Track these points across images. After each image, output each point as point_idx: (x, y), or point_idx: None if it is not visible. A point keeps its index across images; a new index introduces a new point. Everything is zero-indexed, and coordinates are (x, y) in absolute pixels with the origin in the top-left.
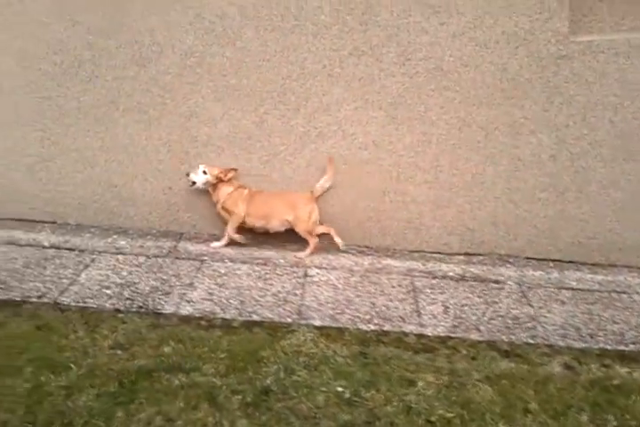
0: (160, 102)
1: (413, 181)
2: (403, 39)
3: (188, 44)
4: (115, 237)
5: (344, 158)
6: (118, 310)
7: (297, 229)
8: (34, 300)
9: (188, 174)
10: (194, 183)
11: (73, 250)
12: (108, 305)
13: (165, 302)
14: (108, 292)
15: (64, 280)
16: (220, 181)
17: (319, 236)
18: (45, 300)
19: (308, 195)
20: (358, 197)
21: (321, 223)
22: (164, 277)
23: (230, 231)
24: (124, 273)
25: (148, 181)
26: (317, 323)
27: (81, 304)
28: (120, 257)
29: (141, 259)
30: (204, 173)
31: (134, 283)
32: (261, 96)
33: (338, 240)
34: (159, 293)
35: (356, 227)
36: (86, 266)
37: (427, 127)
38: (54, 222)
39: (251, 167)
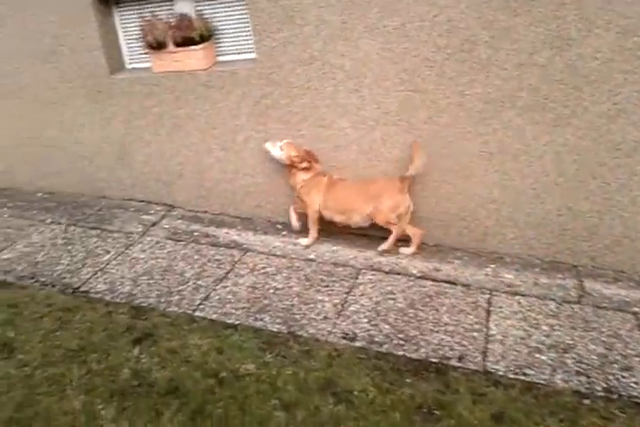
0: (575, 97)
1: None
2: None
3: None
4: (492, 266)
5: None
6: (579, 393)
7: (375, 220)
8: (455, 363)
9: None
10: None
11: (453, 284)
12: (558, 382)
13: (635, 384)
14: (544, 358)
15: (474, 334)
16: (293, 165)
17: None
18: (471, 365)
19: (395, 184)
20: None
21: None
22: (603, 339)
23: (311, 227)
24: (544, 327)
25: (540, 198)
26: None
27: (521, 377)
28: (521, 300)
29: (551, 305)
30: (281, 149)
31: (570, 346)
32: None
33: (410, 247)
34: (615, 366)
35: None
36: (488, 311)
37: None
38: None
39: None
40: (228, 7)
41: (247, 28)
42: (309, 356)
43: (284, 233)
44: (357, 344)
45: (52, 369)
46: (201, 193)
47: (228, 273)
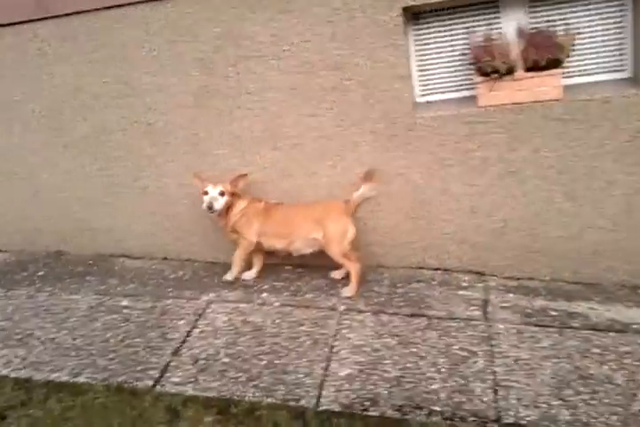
0: None
1: None
2: None
3: None
4: None
5: None
6: None
7: (329, 252)
8: None
9: (210, 208)
10: (213, 211)
11: None
12: None
13: None
14: None
15: None
16: (235, 195)
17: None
18: None
19: (339, 205)
20: None
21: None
22: None
23: (236, 260)
24: None
25: None
26: None
27: None
28: None
29: None
30: (222, 194)
31: None
32: None
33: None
34: None
35: None
36: None
37: None
38: None
39: None
40: (588, 14)
41: (613, 41)
42: None
43: None
44: None
45: None
46: (528, 255)
47: None
